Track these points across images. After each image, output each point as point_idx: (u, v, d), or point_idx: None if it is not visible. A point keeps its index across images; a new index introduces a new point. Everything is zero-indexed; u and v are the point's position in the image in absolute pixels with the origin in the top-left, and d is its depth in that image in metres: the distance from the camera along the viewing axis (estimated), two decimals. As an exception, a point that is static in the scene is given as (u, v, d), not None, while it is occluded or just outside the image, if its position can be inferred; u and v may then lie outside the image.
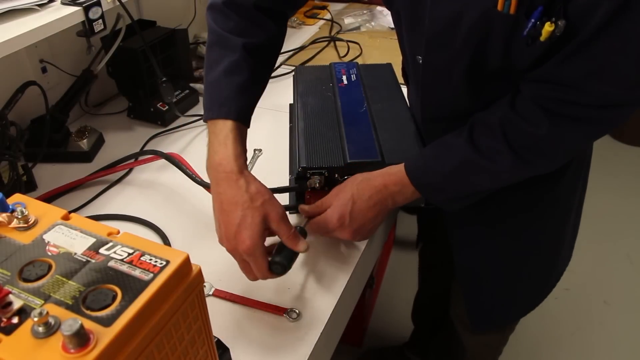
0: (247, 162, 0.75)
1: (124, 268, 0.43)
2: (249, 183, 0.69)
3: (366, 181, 0.76)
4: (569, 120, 0.64)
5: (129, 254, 0.44)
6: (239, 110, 0.73)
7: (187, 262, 0.44)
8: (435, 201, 0.78)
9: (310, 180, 0.83)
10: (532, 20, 0.58)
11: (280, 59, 1.48)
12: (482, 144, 0.69)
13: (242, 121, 0.74)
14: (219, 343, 0.64)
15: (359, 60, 1.47)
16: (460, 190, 0.75)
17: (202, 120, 1.19)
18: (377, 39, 1.59)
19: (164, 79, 1.11)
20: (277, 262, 0.69)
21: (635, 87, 0.61)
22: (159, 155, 0.97)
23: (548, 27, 0.57)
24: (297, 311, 0.72)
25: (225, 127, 0.71)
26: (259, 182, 0.71)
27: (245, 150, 0.74)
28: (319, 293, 0.76)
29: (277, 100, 1.20)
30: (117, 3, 1.00)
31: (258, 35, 0.77)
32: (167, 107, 1.18)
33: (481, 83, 0.71)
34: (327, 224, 0.76)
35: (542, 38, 0.58)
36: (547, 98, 0.64)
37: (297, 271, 0.79)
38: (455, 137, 0.73)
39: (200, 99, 1.29)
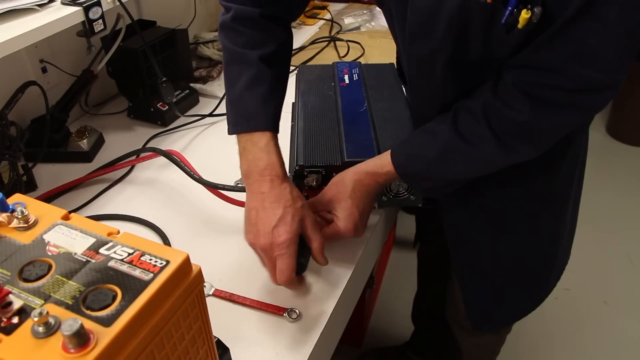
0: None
1: (124, 268, 0.43)
2: (292, 188, 0.73)
3: (359, 184, 0.78)
4: (550, 105, 0.65)
5: (129, 254, 0.44)
6: (269, 120, 0.76)
7: (187, 262, 0.44)
8: (421, 189, 0.81)
9: (307, 179, 0.83)
10: (509, 8, 0.58)
11: (280, 59, 1.48)
12: (465, 130, 0.70)
13: (274, 129, 0.77)
14: (219, 343, 0.64)
15: (361, 60, 1.47)
16: (445, 177, 0.77)
17: (202, 121, 1.21)
18: (377, 39, 1.59)
19: (164, 79, 1.11)
20: (300, 262, 0.70)
21: (615, 70, 0.62)
22: (158, 152, 0.97)
23: (524, 14, 0.58)
24: (297, 311, 0.72)
25: (264, 136, 0.75)
26: (298, 189, 0.75)
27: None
28: (319, 293, 0.76)
29: (277, 100, 1.20)
30: (117, 3, 1.00)
31: (270, 44, 0.79)
32: (167, 107, 1.18)
33: (465, 74, 0.72)
34: (345, 236, 0.78)
35: (519, 25, 0.59)
36: (529, 83, 0.65)
37: (297, 271, 0.79)
38: (438, 124, 0.73)
39: (201, 98, 1.29)
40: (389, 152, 0.77)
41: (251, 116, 0.75)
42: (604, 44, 0.59)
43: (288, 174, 0.92)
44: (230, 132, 0.78)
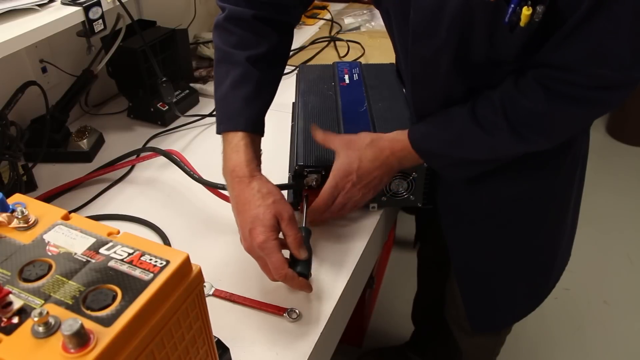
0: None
1: (124, 268, 0.43)
2: (261, 185, 0.72)
3: (374, 143, 0.79)
4: (566, 99, 0.65)
5: (129, 254, 0.44)
6: (247, 121, 0.76)
7: (187, 262, 0.44)
8: (436, 167, 0.80)
9: (307, 179, 0.83)
10: (512, 6, 0.59)
11: (280, 59, 1.48)
12: (482, 116, 0.71)
13: (252, 130, 0.77)
14: (219, 343, 0.64)
15: (361, 60, 1.47)
16: (459, 158, 0.77)
17: (202, 121, 1.21)
18: (377, 39, 1.59)
19: (164, 79, 1.11)
20: (299, 272, 0.70)
21: (630, 68, 0.62)
22: (158, 152, 0.97)
23: (526, 12, 0.58)
24: (297, 311, 0.72)
25: (236, 136, 0.75)
26: (271, 183, 0.74)
27: (258, 156, 0.77)
28: (319, 293, 0.76)
29: (278, 99, 1.19)
30: (117, 3, 1.00)
31: (260, 45, 0.79)
32: (167, 107, 1.18)
33: (470, 75, 0.72)
34: (336, 180, 0.78)
35: (521, 23, 0.60)
36: (546, 76, 0.66)
37: (297, 271, 0.79)
38: (457, 108, 0.74)
39: (201, 98, 1.29)
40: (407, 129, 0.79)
41: (232, 116, 0.76)
42: (618, 43, 0.59)
43: (288, 173, 0.92)
44: (216, 131, 0.79)
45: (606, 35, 0.59)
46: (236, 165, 0.73)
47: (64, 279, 0.42)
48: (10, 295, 0.40)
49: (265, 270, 0.71)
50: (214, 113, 1.21)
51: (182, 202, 0.95)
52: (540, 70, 0.66)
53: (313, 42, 1.58)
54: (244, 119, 0.76)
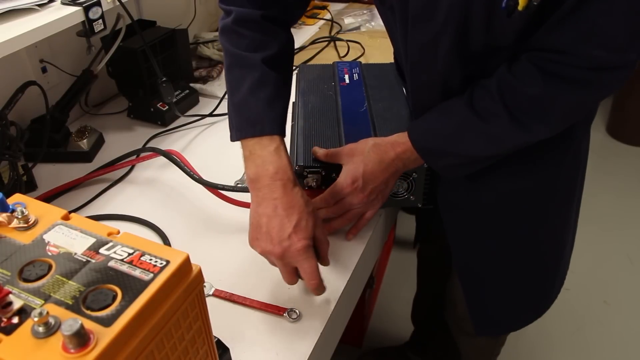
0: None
1: (124, 268, 0.43)
2: (302, 191, 0.73)
3: (377, 147, 0.79)
4: (563, 82, 0.65)
5: (129, 254, 0.44)
6: (275, 123, 0.75)
7: (187, 262, 0.44)
8: (437, 167, 0.80)
9: (307, 179, 0.83)
10: None
11: (280, 59, 1.48)
12: (480, 105, 0.71)
13: (282, 132, 0.76)
14: (219, 343, 0.64)
15: (361, 60, 1.47)
16: (460, 154, 0.76)
17: (202, 121, 1.21)
18: (377, 39, 1.59)
19: (164, 79, 1.11)
20: None
21: (626, 50, 0.62)
22: (158, 152, 0.97)
23: None
24: (297, 311, 0.72)
25: (274, 140, 0.74)
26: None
27: None
28: (319, 293, 0.76)
29: (277, 100, 1.20)
30: (117, 3, 1.00)
31: (272, 46, 0.78)
32: (167, 107, 1.18)
33: (468, 62, 0.72)
34: (342, 187, 0.78)
35: (520, 7, 0.59)
36: (542, 59, 0.66)
37: (297, 271, 0.79)
38: (454, 101, 0.74)
39: (201, 98, 1.29)
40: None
41: (257, 120, 0.74)
42: (612, 24, 0.59)
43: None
44: (233, 139, 0.76)
45: (600, 16, 0.59)
46: (279, 168, 0.72)
47: (64, 279, 0.42)
48: (10, 295, 0.40)
49: (289, 276, 0.70)
50: (214, 113, 1.22)
51: (182, 202, 0.95)
52: (535, 53, 0.66)
53: (313, 42, 1.58)
54: (272, 122, 0.75)
